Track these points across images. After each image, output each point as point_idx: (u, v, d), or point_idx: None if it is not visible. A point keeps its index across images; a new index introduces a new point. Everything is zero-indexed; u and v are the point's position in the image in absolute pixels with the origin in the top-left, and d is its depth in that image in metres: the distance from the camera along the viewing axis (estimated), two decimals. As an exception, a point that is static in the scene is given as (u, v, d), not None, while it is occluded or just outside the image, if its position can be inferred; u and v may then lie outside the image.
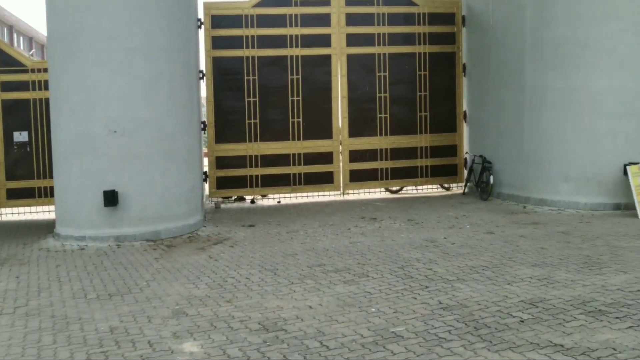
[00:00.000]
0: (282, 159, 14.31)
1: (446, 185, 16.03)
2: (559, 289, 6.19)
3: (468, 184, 15.00)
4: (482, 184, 13.99)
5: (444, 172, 15.54)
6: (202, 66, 12.92)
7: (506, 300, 5.87)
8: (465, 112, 15.35)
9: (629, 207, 11.31)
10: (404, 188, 15.74)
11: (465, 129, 15.44)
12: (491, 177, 13.47)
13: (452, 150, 15.47)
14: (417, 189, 15.80)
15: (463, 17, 15.09)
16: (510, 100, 13.18)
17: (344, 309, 5.79)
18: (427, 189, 15.85)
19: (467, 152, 15.31)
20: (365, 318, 5.51)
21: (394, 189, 15.65)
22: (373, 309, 5.76)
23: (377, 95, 14.72)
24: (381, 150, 14.87)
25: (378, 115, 14.77)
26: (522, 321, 5.20)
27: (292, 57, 14.16)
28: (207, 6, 13.87)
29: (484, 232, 9.81)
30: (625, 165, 11.25)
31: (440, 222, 11.03)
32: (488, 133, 14.23)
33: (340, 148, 14.65)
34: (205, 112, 13.85)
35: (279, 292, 6.52)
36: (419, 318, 5.44)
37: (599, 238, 9.04)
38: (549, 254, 8.02)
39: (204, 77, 13.19)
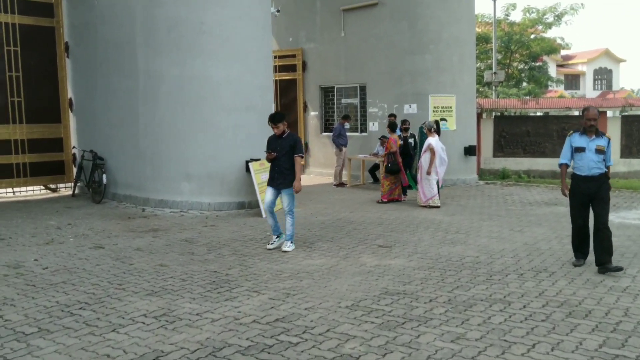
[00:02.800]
0: None
1: (52, 186, 13.44)
2: (181, 332, 4.64)
3: (78, 184, 12.72)
4: (94, 184, 11.93)
5: (49, 171, 12.98)
6: None
7: (108, 363, 4.06)
8: (71, 99, 12.96)
9: (253, 205, 10.68)
10: (-5, 191, 12.65)
11: (72, 120, 13.06)
12: (104, 176, 11.49)
13: (57, 144, 12.98)
14: (14, 192, 12.83)
15: (62, -15, 12.66)
16: (121, 87, 11.36)
17: None
18: (28, 191, 13.00)
19: (74, 147, 12.96)
20: None
21: (-20, 193, 12.41)
22: None
23: (-51, 72, 11.30)
24: (-41, 144, 11.50)
25: (-48, 99, 11.37)
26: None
27: None
28: None
29: (90, 247, 7.84)
30: (247, 162, 10.52)
31: (36, 235, 8.65)
32: (99, 125, 12.16)
33: None
34: None
35: None
36: None
37: (226, 245, 7.94)
38: (169, 273, 6.50)
39: None
